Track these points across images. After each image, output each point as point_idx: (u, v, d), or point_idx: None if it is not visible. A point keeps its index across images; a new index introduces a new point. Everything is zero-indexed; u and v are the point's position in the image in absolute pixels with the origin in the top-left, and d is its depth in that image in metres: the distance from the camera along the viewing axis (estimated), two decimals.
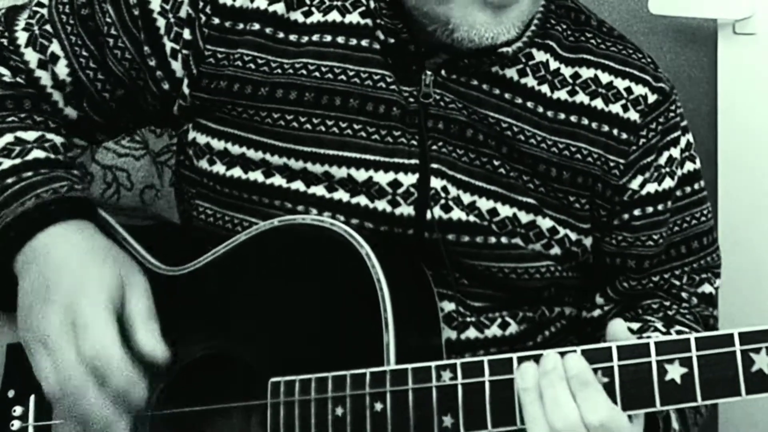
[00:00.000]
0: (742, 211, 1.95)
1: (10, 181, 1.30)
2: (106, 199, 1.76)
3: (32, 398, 1.32)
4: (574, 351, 1.14)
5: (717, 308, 1.49)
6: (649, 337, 1.36)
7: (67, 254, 1.25)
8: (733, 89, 1.96)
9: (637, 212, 1.40)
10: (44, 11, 1.42)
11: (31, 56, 1.40)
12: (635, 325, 1.42)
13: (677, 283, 1.46)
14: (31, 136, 1.36)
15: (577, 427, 1.11)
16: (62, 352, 1.18)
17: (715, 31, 1.97)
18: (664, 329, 1.40)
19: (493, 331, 1.39)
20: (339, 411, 1.20)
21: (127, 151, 1.77)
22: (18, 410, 1.33)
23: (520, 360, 1.15)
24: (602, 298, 1.46)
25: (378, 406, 1.18)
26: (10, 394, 1.34)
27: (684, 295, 1.46)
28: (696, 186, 1.46)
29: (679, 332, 1.40)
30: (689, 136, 1.46)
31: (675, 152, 1.42)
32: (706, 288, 1.47)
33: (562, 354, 1.14)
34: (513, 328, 1.40)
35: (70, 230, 1.27)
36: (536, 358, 1.15)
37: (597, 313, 1.46)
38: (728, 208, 1.97)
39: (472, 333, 1.37)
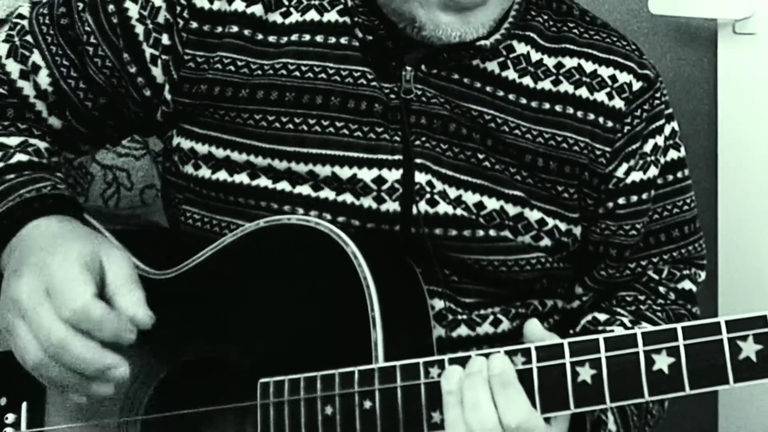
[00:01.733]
0: (742, 211, 1.94)
1: None
2: (106, 199, 1.76)
3: (24, 405, 1.33)
4: (498, 352, 1.15)
5: (696, 305, 1.49)
6: (611, 330, 1.36)
7: (44, 234, 1.25)
8: (733, 89, 1.95)
9: (621, 201, 1.39)
10: (24, 22, 1.43)
11: (13, 67, 1.41)
12: (603, 317, 1.42)
13: (656, 276, 1.45)
14: (13, 141, 1.38)
15: (494, 430, 1.12)
16: (37, 314, 1.15)
17: (715, 31, 1.97)
18: (630, 324, 1.40)
19: (485, 328, 1.38)
20: (328, 410, 1.19)
21: (127, 151, 1.77)
22: (10, 417, 1.33)
23: (508, 354, 1.15)
24: (581, 287, 1.46)
25: (367, 404, 1.18)
26: (2, 401, 1.34)
27: (662, 290, 1.45)
28: (679, 174, 1.45)
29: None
30: (674, 124, 1.45)
31: (659, 140, 1.41)
32: (687, 284, 1.46)
33: (552, 346, 1.14)
34: (505, 325, 1.39)
35: (52, 221, 1.28)
36: (524, 352, 1.14)
37: (576, 303, 1.47)
38: (728, 208, 1.96)
39: (463, 330, 1.37)
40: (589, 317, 1.43)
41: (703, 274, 1.49)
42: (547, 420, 1.13)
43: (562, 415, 1.14)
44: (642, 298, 1.44)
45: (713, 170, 1.97)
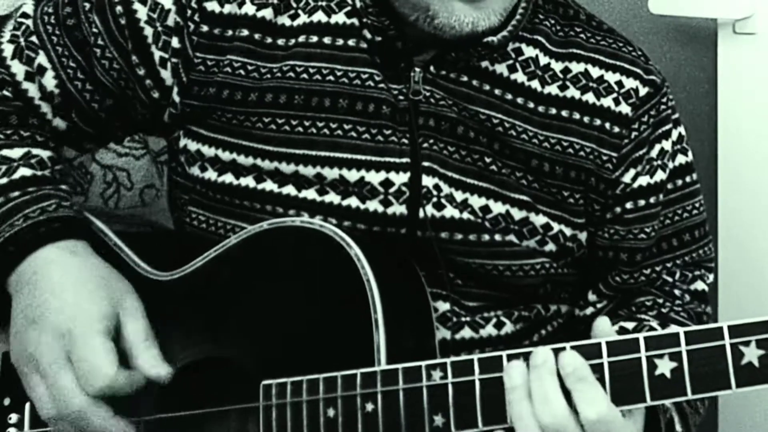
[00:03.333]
0: (742, 211, 1.94)
1: None
2: (106, 199, 1.76)
3: (28, 406, 1.32)
4: (563, 348, 1.13)
5: (709, 305, 1.49)
6: None
7: (60, 280, 1.26)
8: (733, 89, 1.95)
9: (629, 205, 1.40)
10: (29, 22, 1.42)
11: (18, 68, 1.40)
12: (630, 325, 1.41)
13: (669, 279, 1.45)
14: (16, 153, 1.37)
15: (567, 423, 1.11)
16: (59, 380, 1.21)
17: (715, 31, 1.97)
18: (659, 328, 1.39)
19: (489, 330, 1.38)
20: (330, 412, 1.20)
21: (127, 150, 1.77)
22: (14, 418, 1.33)
23: (510, 357, 1.15)
24: (594, 294, 1.46)
25: (369, 407, 1.18)
26: (6, 401, 1.34)
27: (677, 292, 1.45)
28: (688, 179, 1.45)
29: None
30: (681, 129, 1.45)
31: (667, 145, 1.42)
32: (699, 285, 1.47)
33: (553, 351, 1.13)
34: (508, 327, 1.39)
35: (62, 253, 1.29)
36: (526, 356, 1.14)
37: (590, 310, 1.46)
38: (728, 208, 1.96)
39: (467, 333, 1.37)
40: (616, 327, 1.42)
41: (711, 276, 1.49)
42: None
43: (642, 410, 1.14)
44: (660, 301, 1.44)
45: (713, 170, 1.97)
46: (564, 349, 1.13)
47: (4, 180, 1.34)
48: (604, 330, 1.15)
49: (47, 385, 1.22)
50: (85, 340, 1.21)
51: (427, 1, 1.27)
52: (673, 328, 1.13)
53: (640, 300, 1.45)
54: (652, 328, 1.39)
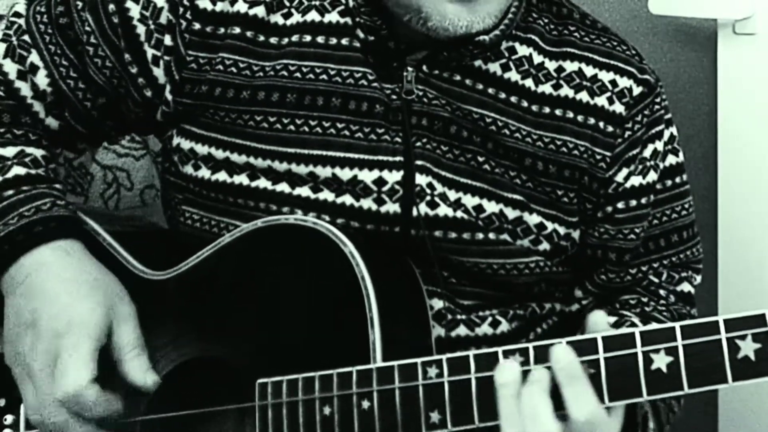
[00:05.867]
0: (742, 211, 1.94)
1: None
2: (106, 199, 1.76)
3: (23, 407, 1.32)
4: (560, 342, 1.13)
5: (695, 307, 1.49)
6: None
7: (55, 283, 1.26)
8: (733, 89, 1.95)
9: (620, 205, 1.39)
10: (22, 21, 1.42)
11: (10, 67, 1.40)
12: (611, 319, 1.41)
13: (656, 280, 1.45)
14: (10, 152, 1.37)
15: None
16: (44, 390, 1.21)
17: (715, 31, 1.97)
18: (641, 324, 1.39)
19: (484, 329, 1.38)
20: (327, 410, 1.19)
21: (127, 151, 1.77)
22: (9, 419, 1.33)
23: (506, 354, 1.14)
24: (581, 290, 1.47)
25: (365, 405, 1.18)
26: (1, 402, 1.34)
27: (662, 292, 1.45)
28: (678, 179, 1.45)
29: None
30: (673, 129, 1.45)
31: (659, 145, 1.41)
32: (685, 287, 1.47)
33: (549, 346, 1.13)
34: (504, 326, 1.39)
35: (57, 254, 1.28)
36: (521, 352, 1.14)
37: (575, 307, 1.47)
38: (728, 208, 1.96)
39: (462, 331, 1.37)
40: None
41: (698, 278, 1.50)
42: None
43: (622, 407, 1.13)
44: (645, 300, 1.45)
45: (713, 170, 1.97)
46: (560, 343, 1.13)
47: None
48: (600, 323, 1.14)
49: (36, 393, 1.22)
50: (72, 348, 1.21)
51: (419, 3, 1.27)
52: (668, 323, 1.12)
53: (625, 297, 1.46)
54: (633, 324, 1.39)
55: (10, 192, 1.32)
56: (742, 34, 1.93)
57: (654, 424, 1.28)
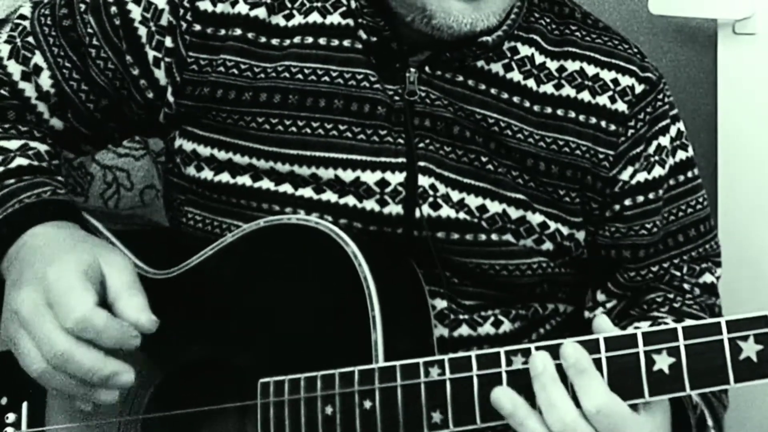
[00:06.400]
0: (742, 211, 1.94)
1: None
2: (106, 199, 1.76)
3: (25, 405, 1.32)
4: (562, 343, 1.13)
5: (719, 297, 1.47)
6: None
7: (44, 243, 1.23)
8: (733, 89, 1.95)
9: (628, 202, 1.39)
10: (26, 23, 1.43)
11: (14, 68, 1.41)
12: (645, 324, 1.39)
13: (678, 274, 1.44)
14: (14, 144, 1.37)
15: (576, 425, 1.09)
16: (39, 326, 1.14)
17: (715, 31, 1.97)
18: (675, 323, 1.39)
19: (486, 329, 1.38)
20: (329, 410, 1.19)
21: (127, 151, 1.77)
22: (11, 417, 1.33)
23: (508, 354, 1.14)
24: (603, 294, 1.45)
25: (367, 404, 1.18)
26: (3, 401, 1.34)
27: (686, 286, 1.44)
28: (689, 174, 1.44)
29: None
30: (680, 125, 1.45)
31: (664, 141, 1.41)
32: (707, 278, 1.46)
33: (551, 347, 1.13)
34: (506, 326, 1.39)
35: (50, 228, 1.27)
36: (524, 352, 1.14)
37: (600, 311, 1.45)
38: (728, 208, 1.96)
39: (464, 330, 1.37)
40: (630, 329, 1.40)
41: (719, 270, 1.48)
42: (633, 408, 1.10)
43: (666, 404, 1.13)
44: (671, 296, 1.43)
45: (713, 170, 1.97)
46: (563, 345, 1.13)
47: (0, 169, 1.34)
48: (604, 328, 1.14)
49: (30, 336, 1.15)
50: (60, 282, 1.15)
51: (424, 1, 1.27)
52: (671, 324, 1.12)
53: (651, 297, 1.44)
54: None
55: (12, 180, 1.33)
56: (742, 34, 1.93)
57: (712, 422, 1.27)
